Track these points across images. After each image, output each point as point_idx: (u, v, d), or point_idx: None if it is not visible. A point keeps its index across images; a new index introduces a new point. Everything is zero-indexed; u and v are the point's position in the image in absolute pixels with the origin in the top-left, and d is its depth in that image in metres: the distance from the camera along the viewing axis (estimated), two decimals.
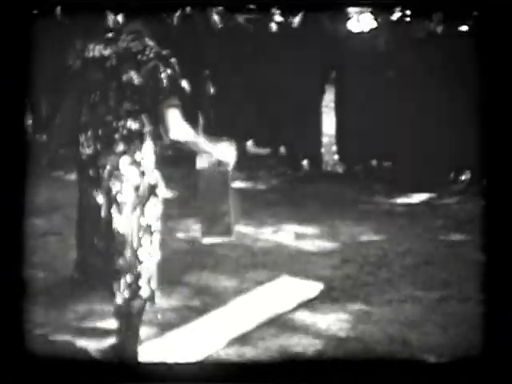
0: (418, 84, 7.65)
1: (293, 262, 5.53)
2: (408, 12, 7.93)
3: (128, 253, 3.61)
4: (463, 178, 8.04)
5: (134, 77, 3.52)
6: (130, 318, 3.74)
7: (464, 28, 7.72)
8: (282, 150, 8.90)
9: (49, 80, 8.57)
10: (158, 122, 3.56)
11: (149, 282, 3.72)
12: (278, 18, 8.43)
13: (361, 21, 8.17)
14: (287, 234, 6.21)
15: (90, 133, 3.62)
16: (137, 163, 3.57)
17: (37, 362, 3.61)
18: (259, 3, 8.40)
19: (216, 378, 3.73)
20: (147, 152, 3.60)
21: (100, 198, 3.60)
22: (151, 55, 3.54)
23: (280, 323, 4.44)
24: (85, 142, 3.63)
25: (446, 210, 7.10)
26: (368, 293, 4.94)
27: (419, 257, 5.69)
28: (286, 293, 4.81)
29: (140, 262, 3.65)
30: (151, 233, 3.67)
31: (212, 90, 8.53)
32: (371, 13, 8.16)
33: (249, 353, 4.09)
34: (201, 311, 4.59)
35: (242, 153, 8.79)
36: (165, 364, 3.90)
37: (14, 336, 3.48)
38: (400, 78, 7.77)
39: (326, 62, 8.13)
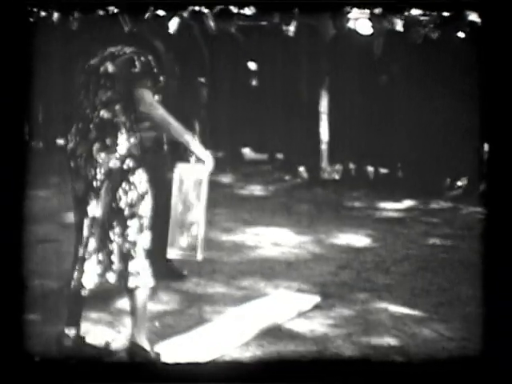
0: (414, 90, 7.68)
1: (290, 269, 5.53)
2: (403, 18, 7.97)
3: (100, 235, 3.76)
4: (459, 184, 8.05)
5: (109, 66, 3.76)
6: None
7: (460, 34, 7.75)
8: (279, 156, 8.91)
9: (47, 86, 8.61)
10: (132, 102, 3.73)
11: (124, 260, 3.78)
12: (273, 24, 8.45)
13: (357, 27, 8.20)
14: (284, 241, 6.21)
15: (73, 128, 3.83)
16: (108, 149, 3.71)
17: (36, 362, 3.64)
18: (256, 8, 8.44)
19: (216, 378, 3.77)
20: (120, 139, 3.73)
21: (80, 188, 3.77)
22: (128, 51, 3.79)
23: (277, 330, 4.43)
24: (69, 138, 3.83)
25: (442, 216, 7.11)
26: (365, 299, 4.94)
27: (416, 263, 5.70)
28: (282, 306, 4.79)
29: (111, 242, 3.76)
30: (124, 218, 3.75)
31: (207, 97, 8.52)
32: (369, 19, 8.19)
33: (247, 360, 4.08)
34: (198, 318, 4.58)
35: (238, 159, 8.91)
36: (165, 364, 3.90)
37: (14, 336, 3.49)
38: (396, 84, 7.80)
39: (320, 69, 8.14)
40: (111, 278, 3.81)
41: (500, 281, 3.64)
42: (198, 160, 3.82)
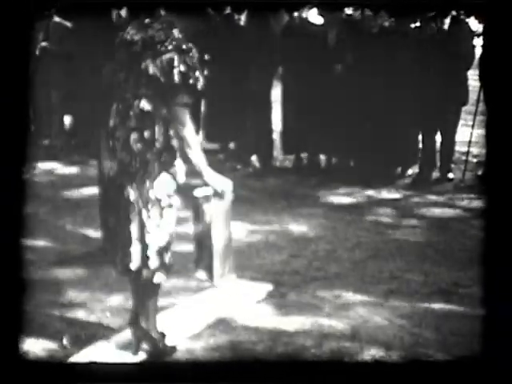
0: (366, 79, 7.72)
1: (242, 258, 5.52)
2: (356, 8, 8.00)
3: (136, 221, 3.71)
4: (410, 172, 8.14)
5: (150, 66, 3.62)
6: (139, 288, 3.88)
7: (413, 24, 7.83)
8: (231, 145, 8.90)
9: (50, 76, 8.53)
10: (168, 119, 3.65)
11: (160, 254, 3.81)
12: (225, 13, 8.42)
13: (310, 16, 8.20)
14: (236, 230, 6.19)
15: (114, 106, 3.75)
16: (145, 141, 3.65)
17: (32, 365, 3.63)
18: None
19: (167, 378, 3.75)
20: (158, 133, 3.66)
21: (114, 169, 3.72)
22: (170, 47, 3.63)
23: (229, 320, 4.44)
24: (111, 114, 3.75)
25: (392, 204, 7.17)
26: (317, 288, 4.96)
27: (367, 251, 5.74)
28: (234, 295, 4.79)
29: (148, 232, 3.73)
30: (161, 207, 3.76)
31: None
32: (319, 8, 8.19)
33: (200, 350, 4.08)
34: None
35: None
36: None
37: (11, 339, 3.45)
38: (348, 73, 7.83)
39: (273, 58, 8.14)
40: (146, 273, 3.80)
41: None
42: (215, 192, 3.96)
